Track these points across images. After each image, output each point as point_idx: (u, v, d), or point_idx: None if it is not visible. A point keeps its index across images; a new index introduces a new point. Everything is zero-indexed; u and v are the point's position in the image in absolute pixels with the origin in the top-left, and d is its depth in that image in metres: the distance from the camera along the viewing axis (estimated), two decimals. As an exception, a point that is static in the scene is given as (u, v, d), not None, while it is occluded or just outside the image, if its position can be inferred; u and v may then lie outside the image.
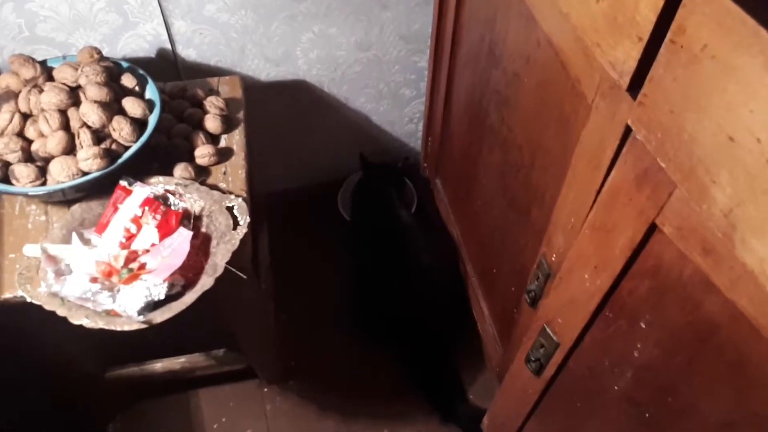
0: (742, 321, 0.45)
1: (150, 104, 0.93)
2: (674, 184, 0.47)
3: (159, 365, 1.24)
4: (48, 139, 0.86)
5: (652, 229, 0.54)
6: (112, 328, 0.76)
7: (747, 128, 0.37)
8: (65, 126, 0.88)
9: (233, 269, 0.81)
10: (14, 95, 0.90)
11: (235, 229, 0.86)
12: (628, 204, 0.56)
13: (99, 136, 0.88)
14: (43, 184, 0.86)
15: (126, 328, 0.76)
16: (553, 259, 0.82)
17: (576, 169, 0.70)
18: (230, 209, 0.89)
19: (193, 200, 0.90)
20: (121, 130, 0.87)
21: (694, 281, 0.51)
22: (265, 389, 1.38)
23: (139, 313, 0.77)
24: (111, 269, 0.81)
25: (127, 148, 0.89)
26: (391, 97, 1.52)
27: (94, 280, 0.80)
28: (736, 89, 0.37)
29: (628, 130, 0.55)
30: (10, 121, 0.86)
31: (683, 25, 0.41)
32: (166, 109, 1.01)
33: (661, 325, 0.59)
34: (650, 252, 0.56)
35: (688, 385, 0.57)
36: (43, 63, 0.95)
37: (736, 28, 0.36)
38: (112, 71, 0.94)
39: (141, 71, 0.98)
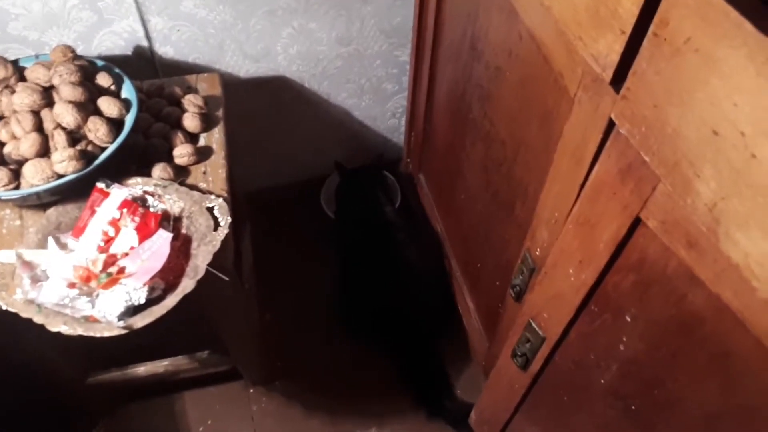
0: (727, 314, 0.45)
1: (126, 103, 0.91)
2: (658, 178, 0.47)
3: (142, 369, 1.22)
4: (21, 142, 0.83)
5: (636, 223, 0.54)
6: (92, 334, 0.74)
7: (731, 122, 0.37)
8: (39, 127, 0.85)
9: (215, 271, 0.80)
10: (-15, 96, 0.87)
11: (216, 230, 0.84)
12: (611, 198, 0.56)
13: (74, 137, 0.86)
14: (17, 187, 0.84)
15: (106, 334, 0.74)
16: (537, 253, 0.82)
17: (559, 164, 0.70)
18: (210, 210, 0.87)
19: (172, 201, 0.88)
20: (96, 130, 0.85)
21: (679, 275, 0.51)
22: (251, 390, 1.37)
23: (120, 318, 0.75)
24: (89, 274, 0.80)
25: (103, 149, 0.87)
26: (372, 92, 1.51)
27: (71, 285, 0.78)
28: (720, 82, 0.37)
29: (611, 124, 0.55)
30: (-19, 123, 0.84)
31: (666, 17, 0.41)
32: (143, 108, 0.99)
33: (646, 319, 0.59)
34: (634, 246, 0.56)
35: (673, 378, 0.57)
36: (14, 63, 0.92)
37: (719, 21, 0.36)
38: (86, 70, 0.92)
39: (117, 70, 0.96)
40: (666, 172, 0.45)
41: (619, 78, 0.51)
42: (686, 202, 0.44)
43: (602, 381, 0.70)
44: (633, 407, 0.65)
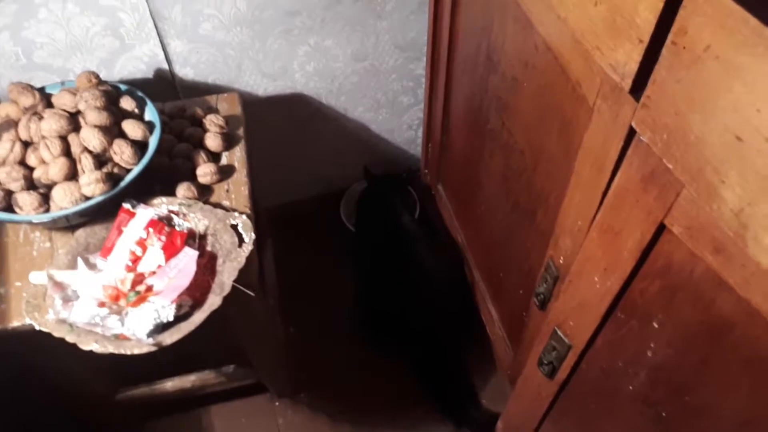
0: (757, 318, 0.45)
1: (150, 126, 0.93)
2: (682, 185, 0.47)
3: (169, 384, 1.24)
4: (50, 166, 0.86)
5: (661, 229, 0.54)
6: (122, 352, 0.75)
7: (755, 128, 0.37)
8: (66, 152, 0.88)
9: (240, 287, 0.81)
10: (14, 123, 0.90)
11: (240, 246, 0.86)
12: (635, 205, 0.56)
13: (100, 160, 0.88)
14: (47, 210, 0.86)
15: (136, 351, 0.75)
16: (560, 261, 0.82)
17: (580, 172, 0.70)
18: (234, 227, 0.89)
19: (197, 219, 0.90)
20: (122, 153, 0.87)
21: (706, 280, 0.51)
22: (277, 403, 1.38)
23: (149, 335, 0.77)
24: (118, 293, 0.81)
25: (128, 171, 0.89)
26: (389, 105, 1.52)
27: (101, 304, 0.80)
28: (742, 89, 0.37)
29: (631, 132, 0.55)
30: (11, 150, 0.87)
31: (684, 26, 0.41)
32: (166, 129, 1.01)
33: (673, 325, 0.58)
34: (660, 252, 0.56)
35: (703, 384, 0.57)
36: (41, 90, 0.95)
37: (739, 28, 0.36)
38: (110, 95, 0.94)
39: (140, 93, 0.99)
40: (690, 179, 0.45)
41: (638, 86, 0.51)
42: (712, 207, 0.44)
43: (630, 388, 0.69)
44: (663, 414, 0.65)
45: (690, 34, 0.41)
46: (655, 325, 0.61)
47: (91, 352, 0.76)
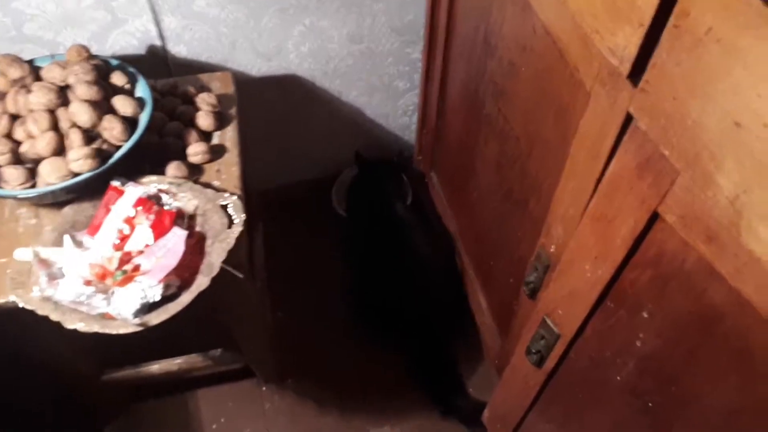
0: (748, 309, 0.45)
1: (141, 102, 0.92)
2: (677, 172, 0.46)
3: (156, 366, 1.23)
4: (37, 140, 0.84)
5: (654, 218, 0.53)
6: (108, 331, 0.74)
7: (754, 113, 0.36)
8: (54, 126, 0.86)
9: (229, 268, 0.80)
10: (1, 96, 0.88)
11: (230, 227, 0.85)
12: (629, 193, 0.55)
13: (89, 136, 0.87)
14: (33, 186, 0.85)
15: (122, 331, 0.74)
16: (552, 250, 0.81)
17: (575, 159, 0.69)
18: (225, 207, 0.88)
19: (186, 199, 0.89)
20: (112, 129, 0.86)
21: (698, 270, 0.51)
22: (264, 388, 1.37)
23: (135, 315, 0.76)
24: (105, 271, 0.80)
25: (118, 147, 0.87)
26: (384, 89, 1.51)
27: (87, 283, 0.78)
28: (743, 73, 0.37)
29: (628, 118, 0.54)
30: (-2, 123, 0.85)
31: (687, 8, 0.40)
32: (157, 107, 0.99)
33: (663, 315, 0.58)
34: (652, 241, 0.56)
35: (692, 374, 0.57)
36: (30, 62, 0.93)
37: (742, 10, 0.36)
38: (101, 69, 0.92)
39: (131, 69, 0.97)
40: (686, 165, 0.45)
41: (637, 71, 0.51)
42: (707, 195, 0.43)
43: (618, 378, 0.69)
44: (650, 404, 0.65)
45: (692, 16, 0.40)
46: (645, 315, 0.61)
47: (75, 331, 0.75)
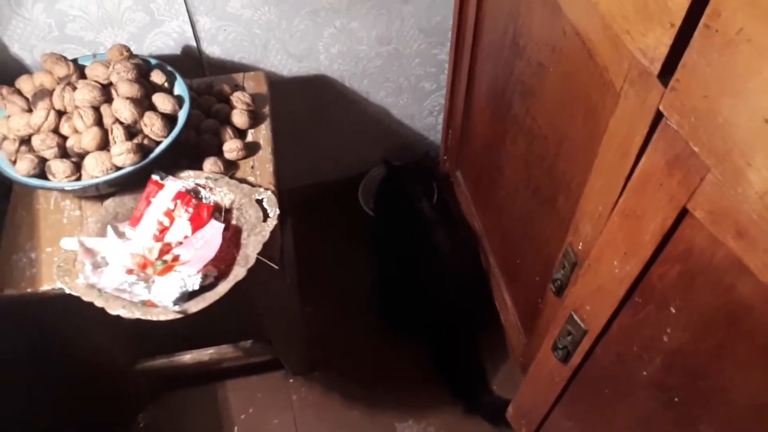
0: (776, 303, 0.46)
1: (179, 100, 0.95)
2: (707, 168, 0.47)
3: (188, 357, 1.26)
4: (82, 135, 0.88)
5: (683, 213, 0.54)
6: (149, 317, 0.78)
7: (784, 110, 0.38)
8: (99, 122, 0.90)
9: (264, 260, 0.83)
10: (49, 93, 0.92)
11: (265, 221, 0.88)
12: (658, 189, 0.56)
13: (131, 131, 0.90)
14: (78, 179, 0.88)
15: (162, 318, 0.78)
16: (579, 247, 0.83)
17: (604, 157, 0.70)
18: (260, 202, 0.91)
19: (223, 193, 0.92)
20: (152, 125, 0.89)
21: (726, 265, 0.51)
22: (291, 380, 1.40)
23: (175, 303, 0.79)
24: (146, 261, 0.83)
25: (158, 143, 0.91)
26: (410, 90, 1.53)
27: (129, 271, 0.82)
28: (773, 72, 0.38)
29: (658, 117, 0.55)
30: (46, 118, 0.89)
31: (718, 9, 0.42)
32: (194, 105, 1.03)
33: (691, 310, 0.59)
34: (681, 237, 0.57)
35: (718, 369, 0.57)
36: (74, 61, 0.97)
37: (773, 11, 0.37)
38: (141, 68, 0.96)
39: (169, 68, 1.00)
40: (716, 162, 0.46)
41: (667, 71, 0.52)
42: (736, 191, 0.44)
43: (644, 373, 0.70)
44: (676, 399, 0.65)
45: (723, 17, 0.41)
46: (673, 310, 0.62)
47: (118, 317, 0.79)
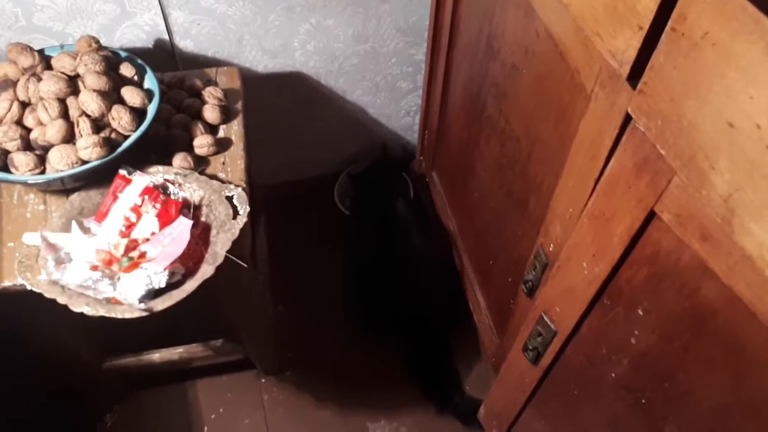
0: (739, 306, 0.46)
1: (149, 94, 0.93)
2: (673, 171, 0.48)
3: (157, 355, 1.24)
4: (47, 128, 0.86)
5: (651, 216, 0.55)
6: (113, 315, 0.76)
7: (746, 114, 0.38)
8: (64, 114, 0.87)
9: (233, 258, 0.81)
10: (12, 84, 0.89)
11: (234, 218, 0.86)
12: (627, 192, 0.57)
13: (98, 124, 0.88)
14: (42, 172, 0.86)
15: (127, 315, 0.76)
16: (550, 248, 0.83)
17: (575, 159, 0.71)
18: (230, 199, 0.89)
19: (192, 190, 0.90)
20: (120, 119, 0.87)
21: (692, 267, 0.52)
22: (263, 380, 1.39)
23: (140, 300, 0.77)
24: (111, 257, 0.82)
25: (126, 137, 0.89)
26: (387, 89, 1.52)
27: (94, 268, 0.80)
28: (736, 76, 0.38)
29: (627, 119, 0.56)
30: (9, 110, 0.86)
31: (684, 13, 0.42)
32: (164, 99, 1.01)
33: (658, 312, 0.60)
34: (649, 239, 0.57)
35: (684, 370, 0.58)
36: (41, 52, 0.94)
37: (737, 15, 0.37)
38: (110, 60, 0.94)
39: (139, 61, 0.98)
40: (682, 165, 0.46)
41: (635, 73, 0.52)
42: (701, 194, 0.45)
43: (613, 374, 0.71)
44: (643, 400, 0.66)
45: (689, 20, 0.42)
46: (640, 312, 0.62)
47: (81, 314, 0.76)
